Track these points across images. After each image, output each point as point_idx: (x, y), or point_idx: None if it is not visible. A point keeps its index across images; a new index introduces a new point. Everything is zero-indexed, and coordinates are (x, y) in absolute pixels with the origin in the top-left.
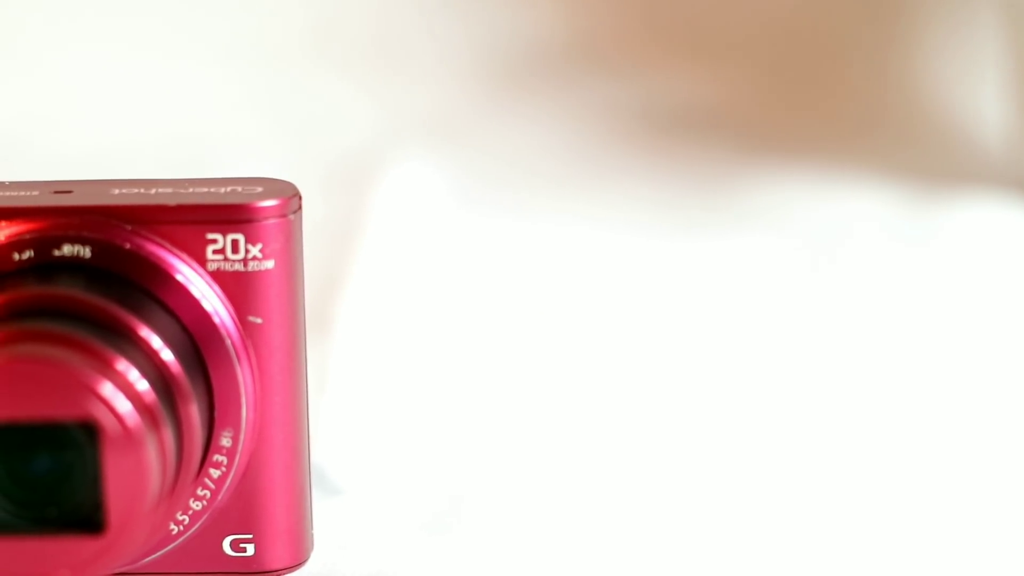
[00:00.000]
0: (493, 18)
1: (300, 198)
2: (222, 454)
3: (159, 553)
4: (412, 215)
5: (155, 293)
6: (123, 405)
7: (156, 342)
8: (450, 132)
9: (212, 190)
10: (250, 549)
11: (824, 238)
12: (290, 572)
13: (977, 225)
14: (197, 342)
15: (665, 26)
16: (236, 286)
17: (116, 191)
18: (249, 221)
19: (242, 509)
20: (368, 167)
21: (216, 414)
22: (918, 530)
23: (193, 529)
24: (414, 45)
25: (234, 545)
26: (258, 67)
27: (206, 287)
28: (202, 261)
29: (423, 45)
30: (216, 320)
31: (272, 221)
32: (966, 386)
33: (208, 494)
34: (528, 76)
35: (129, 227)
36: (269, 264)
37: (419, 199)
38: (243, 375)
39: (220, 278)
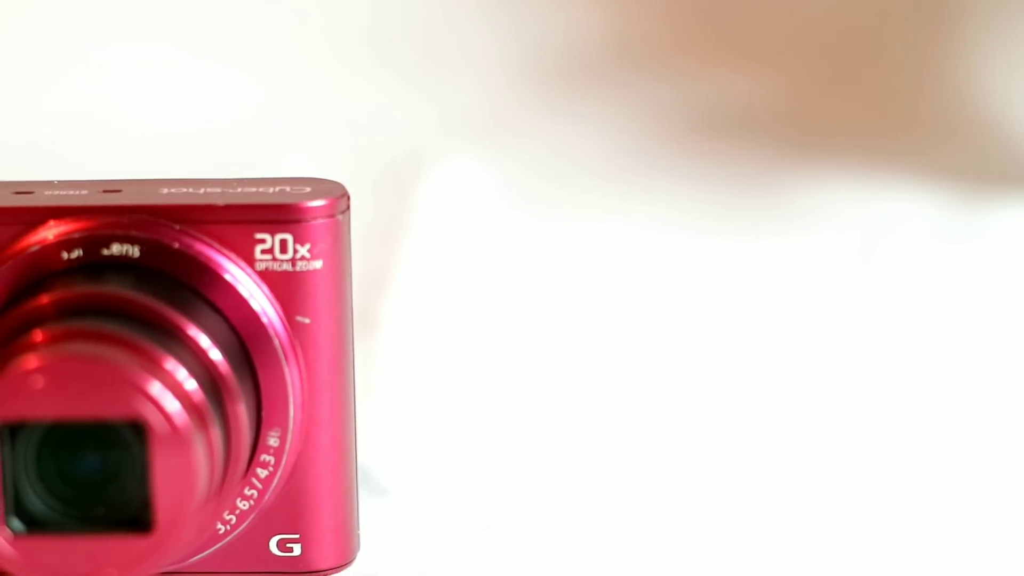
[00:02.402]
0: (542, 18)
1: (348, 198)
2: (269, 454)
3: (206, 552)
4: (460, 215)
5: (203, 292)
6: (171, 404)
7: (204, 341)
8: (499, 132)
9: (261, 190)
10: (297, 549)
11: (871, 238)
12: (337, 572)
13: (1022, 226)
14: (245, 342)
15: (713, 28)
16: (284, 286)
17: (165, 190)
18: (298, 221)
19: (289, 509)
20: (417, 167)
21: (264, 414)
22: (954, 531)
23: (240, 529)
24: (464, 44)
25: (281, 545)
26: (308, 67)
27: (254, 287)
28: (250, 261)
29: (473, 44)
30: (264, 320)
31: (320, 221)
32: (1012, 385)
33: (255, 494)
34: (577, 76)
35: (178, 226)
36: (317, 264)
37: (467, 199)
38: (291, 375)
39: (268, 278)
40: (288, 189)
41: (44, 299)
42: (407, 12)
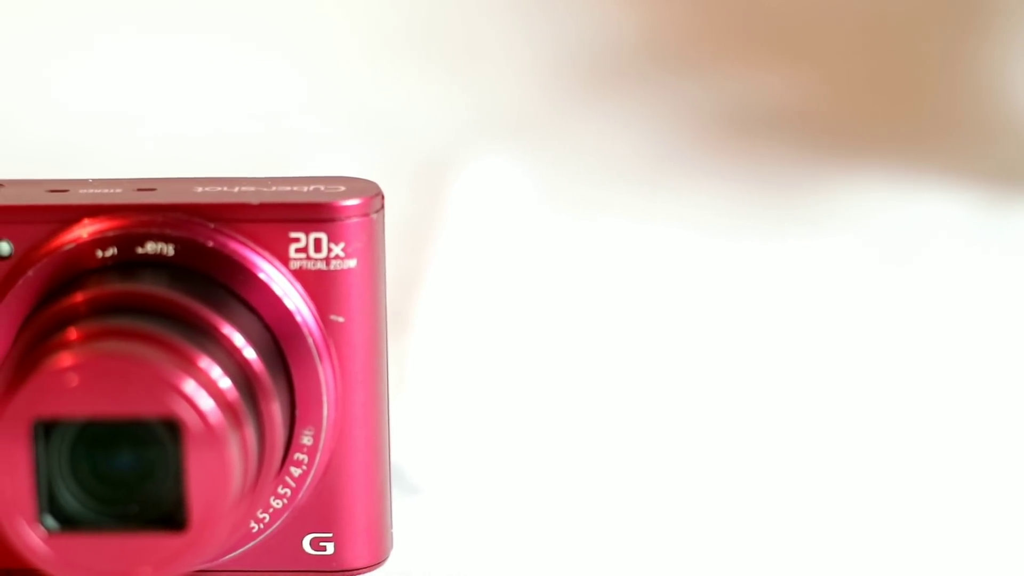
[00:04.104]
0: (575, 18)
1: (383, 197)
2: (303, 452)
3: (240, 551)
4: (493, 214)
5: (237, 291)
6: (206, 403)
7: (238, 340)
8: (532, 131)
9: (295, 189)
10: (330, 548)
11: (902, 240)
12: (369, 571)
13: None
14: (279, 340)
15: (745, 29)
16: (318, 285)
17: (199, 189)
18: (332, 220)
19: (322, 507)
20: (450, 166)
21: (297, 412)
22: (985, 537)
23: (274, 527)
24: (497, 43)
25: (314, 543)
26: (342, 67)
27: (288, 285)
28: (285, 260)
29: (506, 43)
30: (298, 319)
31: (355, 220)
32: None
33: (289, 492)
34: (610, 76)
35: (212, 225)
36: (351, 263)
37: (500, 198)
38: (324, 374)
39: (302, 277)
40: (322, 188)
41: (78, 297)
42: (441, 12)
